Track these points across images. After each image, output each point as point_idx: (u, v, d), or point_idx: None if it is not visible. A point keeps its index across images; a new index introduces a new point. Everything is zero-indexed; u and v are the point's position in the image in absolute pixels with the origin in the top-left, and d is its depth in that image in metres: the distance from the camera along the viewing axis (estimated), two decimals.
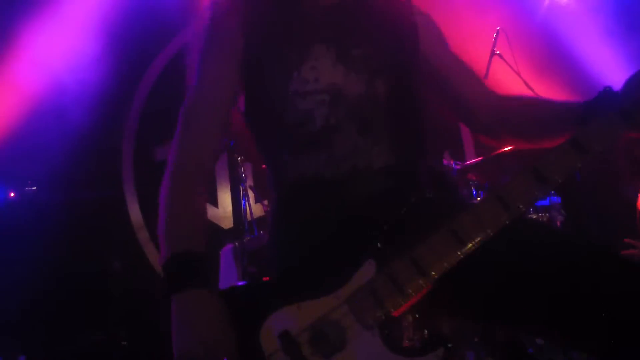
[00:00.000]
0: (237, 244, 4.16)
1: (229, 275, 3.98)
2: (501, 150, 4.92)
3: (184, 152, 1.93)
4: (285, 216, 1.95)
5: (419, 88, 2.13)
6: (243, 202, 4.72)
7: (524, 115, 2.06)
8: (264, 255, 3.92)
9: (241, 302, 1.69)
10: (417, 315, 1.73)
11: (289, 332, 1.60)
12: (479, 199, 5.07)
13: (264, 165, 2.14)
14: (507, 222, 1.73)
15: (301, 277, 1.74)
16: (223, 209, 6.14)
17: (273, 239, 1.92)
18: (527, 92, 5.15)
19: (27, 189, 3.53)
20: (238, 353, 1.58)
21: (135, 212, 5.57)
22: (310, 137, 1.91)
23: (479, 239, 1.71)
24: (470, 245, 1.73)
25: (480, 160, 5.30)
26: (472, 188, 5.11)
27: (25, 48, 4.14)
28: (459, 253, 1.72)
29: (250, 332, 1.61)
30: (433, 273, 1.71)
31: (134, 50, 4.73)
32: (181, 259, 1.68)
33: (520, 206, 1.77)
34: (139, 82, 5.68)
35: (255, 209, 5.04)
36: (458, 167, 5.17)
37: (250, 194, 4.81)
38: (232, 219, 6.23)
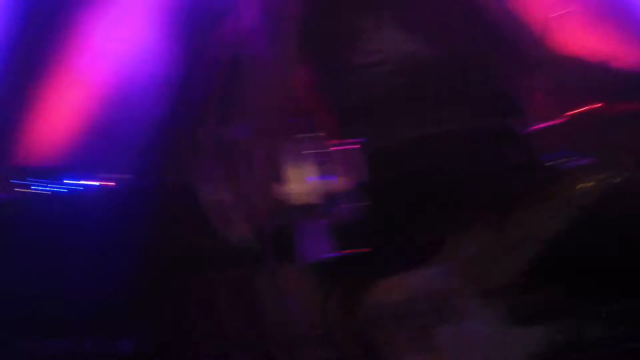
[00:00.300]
0: (317, 218, 4.18)
1: (313, 249, 4.01)
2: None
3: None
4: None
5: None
6: (321, 177, 4.72)
7: None
8: (349, 228, 3.95)
9: (338, 274, 1.69)
10: (532, 285, 1.69)
11: (390, 304, 1.59)
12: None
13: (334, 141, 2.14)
14: None
15: (404, 247, 1.72)
16: (301, 184, 6.18)
17: (367, 210, 1.89)
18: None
19: (106, 176, 3.65)
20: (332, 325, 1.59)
21: (208, 195, 5.68)
22: None
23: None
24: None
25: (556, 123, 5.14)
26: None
27: (89, 42, 4.24)
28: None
29: (346, 304, 1.61)
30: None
31: (197, 36, 4.80)
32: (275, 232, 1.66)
33: None
34: (203, 67, 5.76)
35: (334, 183, 5.05)
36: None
37: (328, 169, 4.81)
38: (310, 194, 6.26)
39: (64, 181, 3.47)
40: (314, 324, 1.56)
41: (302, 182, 5.40)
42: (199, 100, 4.85)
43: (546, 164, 2.56)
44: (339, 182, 5.45)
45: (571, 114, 4.85)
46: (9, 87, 4.08)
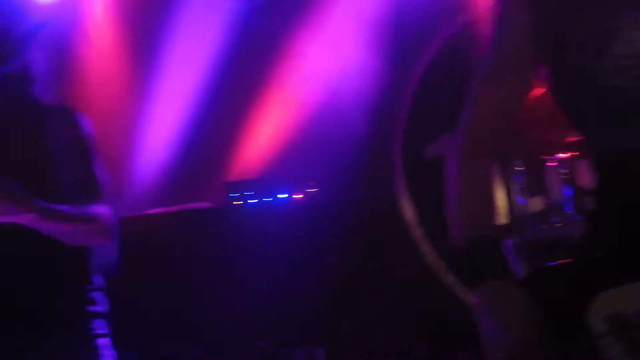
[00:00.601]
0: (516, 237, 4.04)
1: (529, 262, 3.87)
2: None
3: None
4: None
5: None
6: (518, 198, 4.57)
7: None
8: (551, 246, 3.76)
9: (559, 284, 1.60)
10: None
11: (619, 314, 1.48)
12: None
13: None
14: None
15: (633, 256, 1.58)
16: (498, 203, 5.97)
17: (596, 217, 1.74)
18: None
19: (310, 190, 3.78)
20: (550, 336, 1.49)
21: (408, 210, 5.66)
22: None
23: None
24: None
25: None
26: None
27: (301, 61, 4.43)
28: None
29: (573, 315, 1.51)
30: None
31: (402, 52, 4.84)
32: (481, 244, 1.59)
33: None
34: (408, 83, 5.78)
35: (530, 203, 4.85)
36: None
37: (525, 188, 4.64)
38: (506, 214, 6.05)
39: (274, 193, 3.62)
40: (534, 339, 1.47)
41: (501, 200, 5.21)
42: (400, 116, 4.88)
43: None
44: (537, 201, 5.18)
45: None
46: (223, 104, 4.37)
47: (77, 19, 3.70)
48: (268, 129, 4.08)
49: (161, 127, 3.79)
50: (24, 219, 1.32)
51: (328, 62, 4.68)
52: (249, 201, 3.43)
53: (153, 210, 3.47)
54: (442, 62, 4.40)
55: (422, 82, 5.01)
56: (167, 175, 3.88)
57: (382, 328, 4.08)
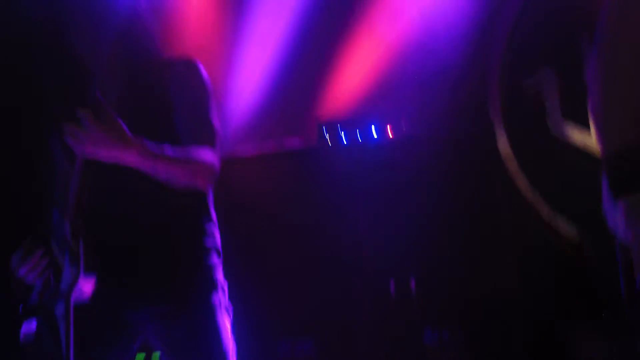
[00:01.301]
0: None
1: None
2: None
3: None
4: None
5: None
6: None
7: None
8: None
9: None
10: None
11: None
12: None
13: None
14: None
15: None
16: None
17: None
18: None
19: (402, 127, 3.75)
20: None
21: (504, 145, 5.55)
22: None
23: None
24: None
25: None
26: None
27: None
28: None
29: None
30: None
31: None
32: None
33: None
34: (503, 16, 5.57)
35: None
36: None
37: None
38: None
39: (367, 132, 3.61)
40: None
41: None
42: (502, 50, 4.72)
43: None
44: None
45: None
46: (315, 44, 4.35)
47: None
48: (360, 68, 4.05)
49: (254, 70, 3.82)
50: (130, 156, 1.34)
51: None
52: (342, 141, 3.45)
53: (247, 151, 3.52)
54: None
55: (519, 15, 4.85)
56: (260, 116, 3.93)
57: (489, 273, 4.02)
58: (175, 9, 3.78)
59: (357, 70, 4.08)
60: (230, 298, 1.55)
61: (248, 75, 3.85)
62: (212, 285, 1.50)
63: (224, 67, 3.81)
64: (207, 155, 1.45)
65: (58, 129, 1.45)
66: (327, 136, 3.48)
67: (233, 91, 3.89)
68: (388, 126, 3.77)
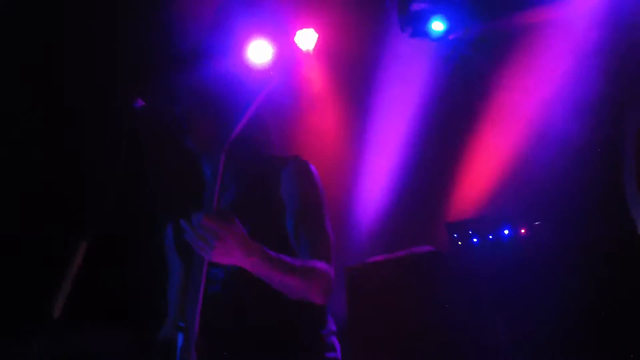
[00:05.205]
0: None
1: None
2: None
3: None
4: None
5: None
6: None
7: None
8: None
9: None
10: None
11: None
12: None
13: None
14: None
15: None
16: None
17: None
18: None
19: (535, 224, 3.59)
20: None
21: None
22: None
23: None
24: None
25: None
26: None
27: (514, 95, 4.28)
28: None
29: None
30: None
31: (622, 80, 4.49)
32: None
33: None
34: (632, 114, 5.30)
35: None
36: None
37: None
38: None
39: (498, 230, 3.51)
40: None
41: None
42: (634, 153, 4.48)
43: None
44: None
45: None
46: (437, 144, 4.32)
47: (292, 76, 3.91)
48: (485, 165, 3.97)
49: (378, 174, 3.84)
50: (248, 262, 1.30)
51: (542, 94, 4.47)
52: (472, 240, 3.34)
53: (377, 258, 3.48)
54: None
55: None
56: (387, 221, 3.89)
57: None
58: (299, 114, 3.91)
59: (482, 167, 4.01)
60: None
61: (373, 180, 3.86)
62: None
63: (348, 172, 3.85)
64: (323, 268, 1.40)
65: (175, 228, 1.46)
66: (457, 236, 3.39)
67: (359, 197, 3.90)
68: (520, 222, 3.63)
